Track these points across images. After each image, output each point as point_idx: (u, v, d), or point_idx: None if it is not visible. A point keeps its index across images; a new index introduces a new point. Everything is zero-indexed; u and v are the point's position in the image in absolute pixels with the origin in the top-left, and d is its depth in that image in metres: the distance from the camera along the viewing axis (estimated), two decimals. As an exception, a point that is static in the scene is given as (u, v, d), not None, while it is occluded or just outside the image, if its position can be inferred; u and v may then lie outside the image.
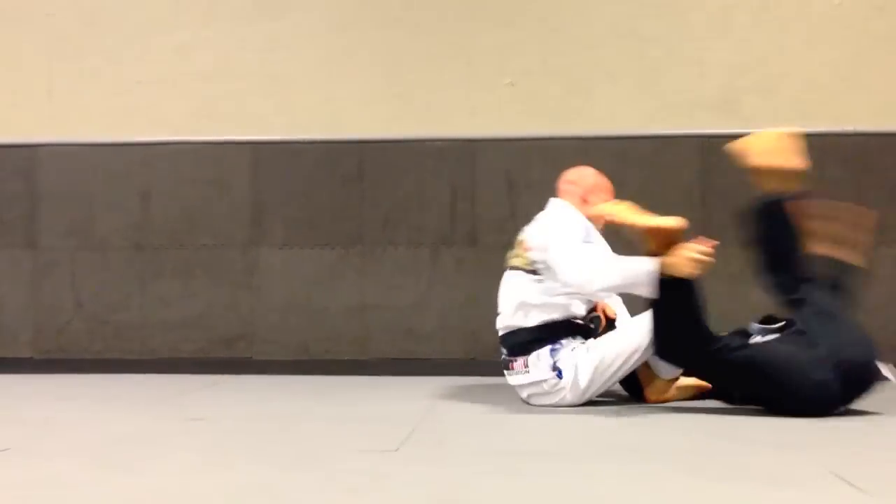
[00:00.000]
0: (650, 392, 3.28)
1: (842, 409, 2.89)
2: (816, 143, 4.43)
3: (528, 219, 4.53)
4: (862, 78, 4.49)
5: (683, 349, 3.03)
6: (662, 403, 3.24)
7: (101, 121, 4.75)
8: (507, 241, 4.55)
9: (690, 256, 3.00)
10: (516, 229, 4.54)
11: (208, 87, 4.75)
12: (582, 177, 3.45)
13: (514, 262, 3.35)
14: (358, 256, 4.60)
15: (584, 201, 3.39)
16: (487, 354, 4.49)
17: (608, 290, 3.16)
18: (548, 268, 3.18)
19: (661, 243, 3.04)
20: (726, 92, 4.54)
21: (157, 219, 4.68)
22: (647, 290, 3.02)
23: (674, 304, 2.98)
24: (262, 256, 4.64)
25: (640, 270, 3.01)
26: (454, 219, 4.56)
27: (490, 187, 4.55)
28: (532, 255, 3.24)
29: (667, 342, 3.04)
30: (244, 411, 3.14)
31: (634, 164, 4.35)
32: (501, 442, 2.54)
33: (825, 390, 2.82)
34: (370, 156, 4.62)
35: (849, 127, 4.27)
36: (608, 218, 3.14)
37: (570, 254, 3.09)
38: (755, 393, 3.03)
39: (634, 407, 3.19)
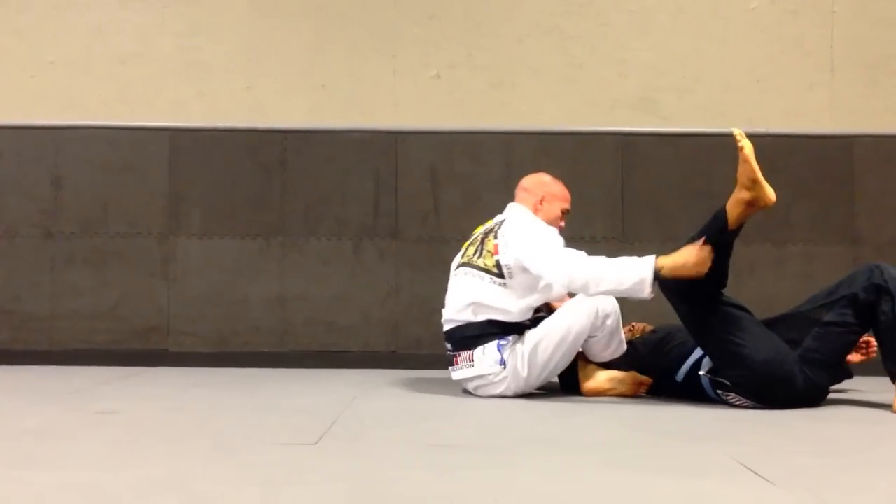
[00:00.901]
0: (585, 380, 3.30)
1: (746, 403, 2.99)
2: (731, 143, 4.58)
3: (451, 212, 4.55)
4: (774, 80, 4.65)
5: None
6: (599, 396, 3.27)
7: (9, 102, 4.57)
8: (430, 234, 4.57)
9: (702, 256, 2.89)
10: (439, 222, 4.57)
11: (124, 70, 4.61)
12: (536, 184, 3.47)
13: (476, 261, 3.30)
14: (279, 247, 4.54)
15: (537, 209, 3.41)
16: (409, 347, 4.50)
17: (603, 294, 3.07)
18: (517, 273, 3.19)
19: (746, 212, 2.90)
20: (645, 91, 4.64)
21: (69, 206, 4.53)
22: (643, 294, 2.93)
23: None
24: (179, 246, 4.53)
25: (635, 276, 2.91)
26: (377, 211, 4.55)
27: (413, 180, 4.55)
28: (502, 259, 3.22)
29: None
30: (159, 404, 3.07)
31: (557, 159, 4.41)
32: (422, 434, 2.54)
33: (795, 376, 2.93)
34: (292, 145, 4.57)
35: (760, 128, 4.42)
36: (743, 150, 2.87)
37: (561, 260, 3.06)
38: (722, 348, 3.00)
39: (553, 400, 3.23)
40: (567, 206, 3.47)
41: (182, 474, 1.96)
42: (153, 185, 4.55)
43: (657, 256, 2.94)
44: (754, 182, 2.86)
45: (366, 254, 4.53)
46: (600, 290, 3.01)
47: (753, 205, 2.88)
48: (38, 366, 4.17)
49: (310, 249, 4.54)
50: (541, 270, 3.13)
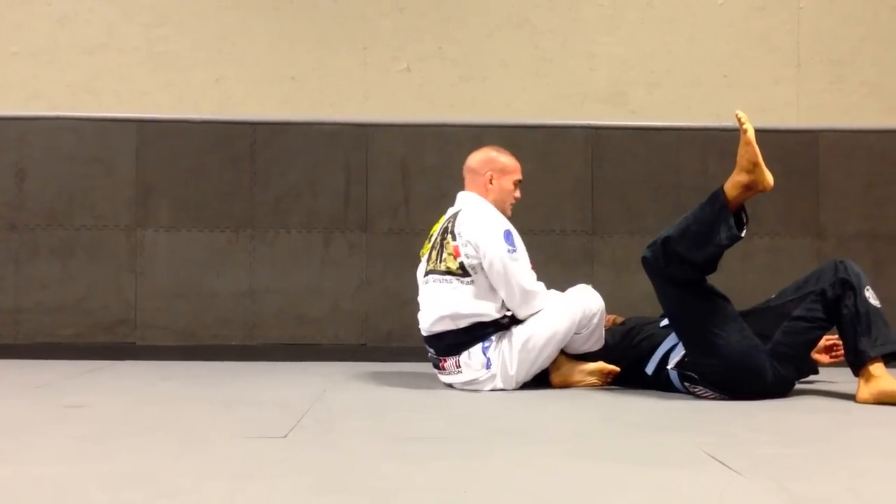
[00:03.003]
0: (554, 372, 3.32)
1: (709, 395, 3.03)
2: (698, 138, 4.63)
3: (421, 205, 4.55)
4: (741, 75, 4.70)
5: (686, 253, 2.93)
6: (568, 387, 3.29)
7: (-28, 92, 4.49)
8: (401, 226, 4.56)
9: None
10: (410, 215, 4.56)
11: (90, 60, 4.55)
12: (482, 163, 3.43)
13: (440, 266, 3.28)
14: (248, 240, 4.51)
15: (488, 189, 3.38)
16: (379, 340, 4.49)
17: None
18: (479, 270, 3.19)
19: (744, 193, 2.91)
20: (615, 85, 4.67)
21: (33, 198, 4.46)
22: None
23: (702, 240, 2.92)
24: (147, 238, 4.49)
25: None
26: (347, 203, 4.53)
27: (384, 172, 4.54)
28: (465, 260, 3.21)
29: (685, 239, 2.94)
30: (126, 398, 3.04)
31: (527, 152, 4.41)
32: (391, 427, 2.54)
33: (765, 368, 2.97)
34: (262, 137, 4.54)
35: (728, 122, 4.46)
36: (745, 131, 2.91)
37: (526, 290, 3.23)
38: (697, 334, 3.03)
39: (524, 391, 3.25)
40: (518, 175, 3.44)
41: (150, 468, 1.95)
42: (120, 176, 4.49)
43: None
44: (755, 165, 2.87)
45: (336, 246, 4.52)
46: (537, 311, 3.27)
47: (751, 188, 2.90)
48: (2, 359, 4.11)
49: (280, 242, 4.51)
50: (503, 294, 3.26)
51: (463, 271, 3.22)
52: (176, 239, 4.49)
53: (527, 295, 3.22)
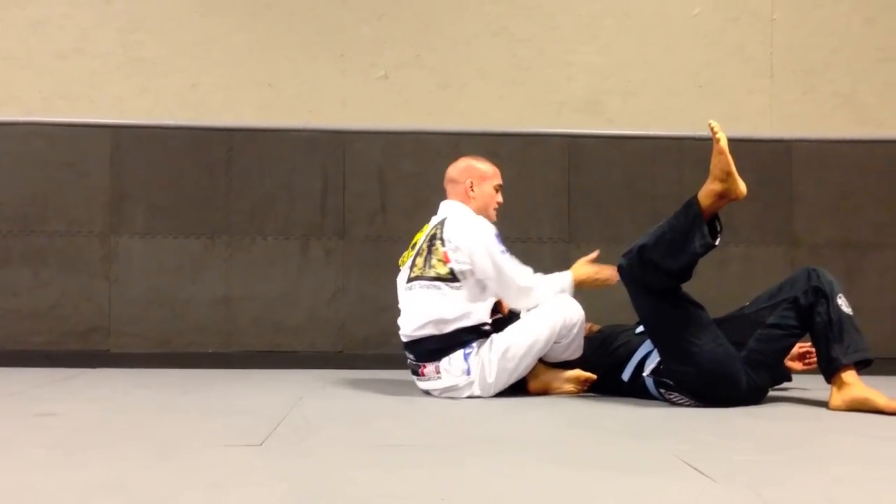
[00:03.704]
0: (531, 379, 3.32)
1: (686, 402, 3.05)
2: (673, 146, 4.67)
3: (399, 212, 4.55)
4: (716, 85, 4.75)
5: (661, 261, 2.94)
6: (545, 394, 3.29)
7: (-57, 96, 4.44)
8: (378, 233, 4.56)
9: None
10: (387, 222, 4.56)
11: (65, 65, 4.52)
12: (461, 171, 3.44)
13: (428, 272, 3.26)
14: (224, 247, 4.49)
15: (469, 197, 3.39)
16: (356, 347, 4.48)
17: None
18: (469, 276, 3.20)
19: (720, 199, 2.92)
20: (591, 94, 4.70)
21: (5, 203, 4.42)
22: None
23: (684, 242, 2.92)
24: (121, 245, 4.45)
25: (557, 289, 3.33)
26: (324, 210, 4.52)
27: (361, 179, 4.54)
28: (455, 266, 3.21)
29: (659, 247, 2.94)
30: (99, 406, 3.00)
31: (504, 160, 4.43)
32: (368, 435, 2.53)
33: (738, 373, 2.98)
34: (238, 144, 4.52)
35: (702, 132, 4.50)
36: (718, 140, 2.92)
37: (517, 290, 3.27)
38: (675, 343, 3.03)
39: (500, 398, 3.25)
40: (498, 181, 3.46)
41: (123, 477, 1.93)
42: (94, 182, 4.45)
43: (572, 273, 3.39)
44: (728, 174, 2.89)
45: (313, 253, 4.50)
46: (537, 303, 3.30)
47: (725, 197, 2.92)
48: (-28, 368, 4.05)
49: (256, 249, 4.49)
50: (498, 287, 3.29)
51: (452, 277, 3.22)
52: (151, 245, 4.45)
53: (524, 291, 3.26)
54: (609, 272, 3.33)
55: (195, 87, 4.57)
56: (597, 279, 3.38)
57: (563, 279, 3.38)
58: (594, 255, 3.43)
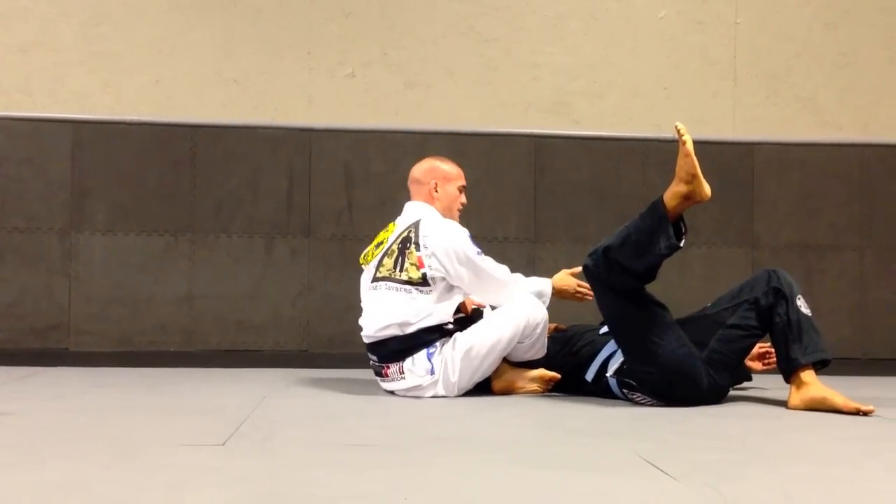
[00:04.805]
0: (495, 379, 3.33)
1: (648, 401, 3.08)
2: (638, 148, 4.72)
3: (365, 211, 4.53)
4: (680, 87, 4.81)
5: (626, 262, 2.95)
6: (509, 394, 3.30)
7: None
8: (343, 232, 4.55)
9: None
10: (352, 221, 4.55)
11: (25, 59, 4.44)
12: (425, 172, 3.43)
13: (398, 275, 3.24)
14: (188, 244, 4.44)
15: (434, 198, 3.39)
16: (321, 346, 4.46)
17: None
18: (440, 280, 3.19)
19: (683, 203, 2.94)
20: (558, 95, 4.73)
21: (-37, 198, 4.33)
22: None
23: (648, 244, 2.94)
24: (82, 242, 4.38)
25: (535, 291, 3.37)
26: (290, 209, 4.50)
27: (327, 178, 4.52)
28: (429, 272, 3.19)
29: (625, 248, 2.95)
30: (58, 405, 2.96)
31: (471, 160, 4.44)
32: (332, 434, 2.52)
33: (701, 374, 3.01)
34: (203, 140, 4.47)
35: (667, 134, 4.56)
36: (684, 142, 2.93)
37: (501, 282, 3.31)
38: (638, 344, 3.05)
39: (465, 398, 3.25)
40: (462, 181, 3.47)
41: (82, 477, 1.90)
42: (54, 178, 4.38)
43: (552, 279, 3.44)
44: (694, 177, 2.91)
45: (278, 252, 4.48)
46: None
47: (690, 198, 2.94)
48: (-73, 366, 3.96)
49: (220, 247, 4.45)
50: (479, 294, 3.34)
51: (424, 282, 3.21)
52: (112, 242, 4.39)
53: (504, 287, 3.32)
54: (588, 289, 3.37)
55: (159, 83, 4.51)
56: (575, 294, 3.44)
57: (543, 283, 3.42)
58: (578, 269, 3.43)
